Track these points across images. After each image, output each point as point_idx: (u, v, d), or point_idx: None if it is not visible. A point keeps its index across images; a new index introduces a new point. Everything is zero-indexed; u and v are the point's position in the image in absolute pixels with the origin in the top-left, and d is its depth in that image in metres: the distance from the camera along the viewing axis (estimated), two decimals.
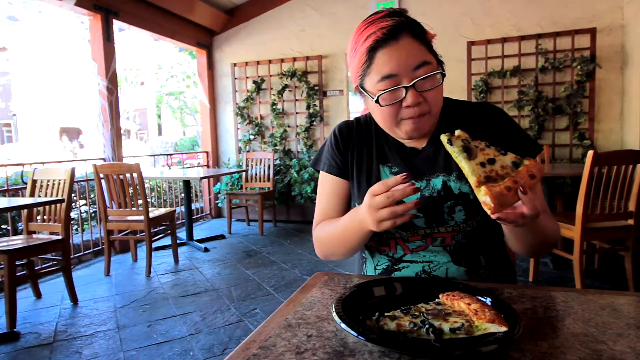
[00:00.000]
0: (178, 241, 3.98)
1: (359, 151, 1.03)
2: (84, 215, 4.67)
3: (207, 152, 5.81)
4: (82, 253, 3.98)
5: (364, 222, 0.80)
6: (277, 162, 5.41)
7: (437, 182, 0.95)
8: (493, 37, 4.52)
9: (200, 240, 4.46)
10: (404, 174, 0.73)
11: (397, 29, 0.84)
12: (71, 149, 18.20)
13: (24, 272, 2.93)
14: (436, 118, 0.91)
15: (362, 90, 0.91)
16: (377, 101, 0.88)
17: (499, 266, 0.99)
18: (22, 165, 3.77)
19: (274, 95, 5.35)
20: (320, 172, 1.08)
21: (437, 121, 0.93)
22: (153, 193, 5.51)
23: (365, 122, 1.05)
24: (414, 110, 0.86)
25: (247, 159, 5.32)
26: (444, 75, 0.87)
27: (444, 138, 0.71)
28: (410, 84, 0.84)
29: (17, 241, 2.71)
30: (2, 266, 2.49)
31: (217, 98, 5.81)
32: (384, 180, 0.75)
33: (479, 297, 0.68)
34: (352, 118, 1.09)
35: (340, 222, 0.92)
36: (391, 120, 0.89)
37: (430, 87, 0.85)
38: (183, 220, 4.63)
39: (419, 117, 0.87)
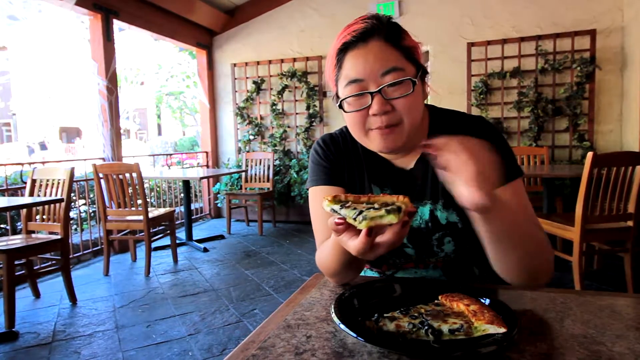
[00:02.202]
0: (177, 241, 3.97)
1: (350, 168, 0.95)
2: (83, 215, 4.67)
3: (206, 152, 5.81)
4: (81, 253, 3.97)
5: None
6: (277, 162, 5.41)
7: (425, 211, 0.89)
8: (493, 39, 4.52)
9: (200, 241, 4.46)
10: (339, 219, 0.62)
11: (368, 32, 0.79)
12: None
13: (23, 271, 2.93)
14: (410, 131, 0.82)
15: (337, 97, 0.85)
16: (340, 106, 0.83)
17: (494, 275, 0.96)
18: (22, 164, 3.77)
19: (273, 95, 5.36)
20: (310, 190, 0.96)
21: (415, 135, 0.84)
22: (152, 193, 5.51)
23: (350, 135, 0.94)
24: (381, 119, 0.79)
25: (246, 159, 5.32)
26: (414, 83, 0.79)
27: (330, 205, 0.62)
28: (375, 90, 0.78)
29: (16, 241, 2.71)
30: (1, 266, 2.48)
31: (217, 98, 5.81)
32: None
33: (478, 298, 0.68)
34: (332, 131, 1.01)
35: (328, 245, 0.80)
36: (359, 129, 0.83)
37: (400, 95, 0.78)
38: (182, 221, 4.63)
39: (389, 128, 0.80)
